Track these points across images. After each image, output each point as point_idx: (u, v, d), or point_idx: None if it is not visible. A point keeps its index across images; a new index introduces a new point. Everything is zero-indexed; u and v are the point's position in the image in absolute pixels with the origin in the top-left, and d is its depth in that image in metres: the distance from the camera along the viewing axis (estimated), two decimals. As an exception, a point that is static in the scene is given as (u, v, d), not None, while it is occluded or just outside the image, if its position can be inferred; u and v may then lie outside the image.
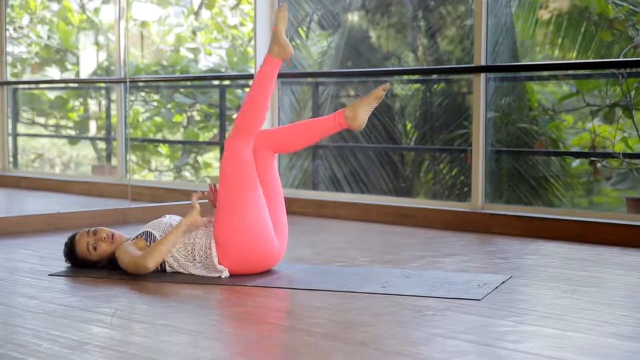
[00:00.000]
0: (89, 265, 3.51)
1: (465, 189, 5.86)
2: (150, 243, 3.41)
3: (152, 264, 3.32)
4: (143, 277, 3.34)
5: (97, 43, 8.54)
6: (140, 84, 8.17)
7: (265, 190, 3.45)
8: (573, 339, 2.48)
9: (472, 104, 5.01)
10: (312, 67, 6.61)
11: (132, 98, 8.08)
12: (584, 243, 4.33)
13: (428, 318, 2.74)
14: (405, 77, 6.48)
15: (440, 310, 2.84)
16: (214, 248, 3.34)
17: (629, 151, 5.33)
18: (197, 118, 8.37)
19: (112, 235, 3.49)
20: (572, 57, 5.85)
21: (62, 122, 8.71)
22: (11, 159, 7.73)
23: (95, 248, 3.47)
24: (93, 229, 3.51)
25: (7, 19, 7.68)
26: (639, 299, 3.12)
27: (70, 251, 3.53)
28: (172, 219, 3.56)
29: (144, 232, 3.47)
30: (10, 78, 7.70)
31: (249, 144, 3.43)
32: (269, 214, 3.43)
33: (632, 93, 5.18)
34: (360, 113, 3.48)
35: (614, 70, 5.15)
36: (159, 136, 8.45)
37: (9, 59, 7.73)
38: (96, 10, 8.39)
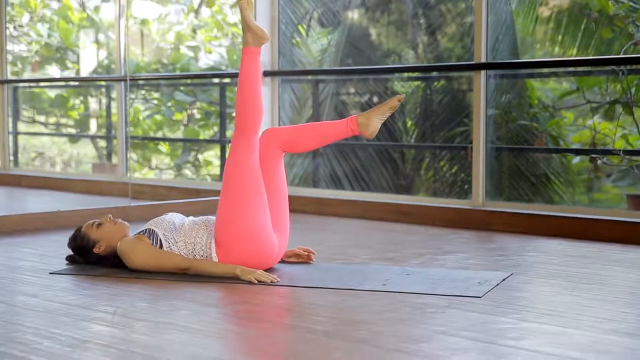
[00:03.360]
0: (89, 255, 3.50)
1: (466, 186, 5.85)
2: (152, 241, 3.39)
3: (182, 268, 3.36)
4: (143, 275, 3.34)
5: (97, 41, 8.54)
6: (141, 82, 8.17)
7: (269, 189, 3.44)
8: (574, 335, 2.48)
9: (473, 101, 5.00)
10: (312, 65, 6.61)
11: (133, 96, 8.08)
12: (585, 240, 4.33)
13: (429, 315, 2.74)
14: (406, 74, 6.47)
15: (441, 307, 2.84)
16: (213, 248, 3.34)
17: (629, 148, 5.32)
18: (198, 116, 8.38)
19: (116, 220, 3.51)
20: (573, 54, 5.84)
21: (63, 121, 8.72)
22: (12, 158, 7.74)
23: (99, 225, 3.48)
24: (97, 221, 3.51)
25: (7, 17, 7.67)
26: (639, 296, 3.12)
27: (74, 236, 3.54)
28: (174, 216, 3.55)
29: (146, 230, 3.45)
30: (10, 76, 7.70)
31: (254, 144, 3.39)
32: (272, 213, 3.43)
33: (633, 90, 5.18)
34: (373, 121, 3.47)
35: (614, 67, 5.14)
36: (159, 134, 8.45)
37: (9, 57, 7.73)
38: (96, 9, 8.39)
